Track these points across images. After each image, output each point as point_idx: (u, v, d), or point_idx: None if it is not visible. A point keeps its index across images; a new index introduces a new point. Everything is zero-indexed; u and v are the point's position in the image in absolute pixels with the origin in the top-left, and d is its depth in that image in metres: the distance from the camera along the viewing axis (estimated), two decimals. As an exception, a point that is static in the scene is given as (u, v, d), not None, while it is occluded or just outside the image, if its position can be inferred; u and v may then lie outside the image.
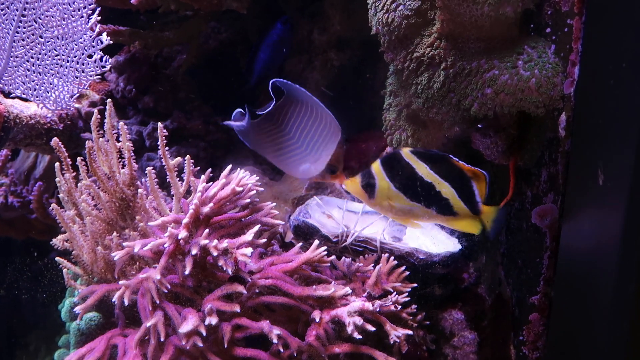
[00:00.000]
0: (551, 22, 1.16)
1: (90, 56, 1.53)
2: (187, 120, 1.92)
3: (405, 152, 1.12)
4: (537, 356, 1.24)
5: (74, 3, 1.49)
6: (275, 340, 1.07)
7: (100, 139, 1.31)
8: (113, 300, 1.13)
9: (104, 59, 1.54)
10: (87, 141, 1.30)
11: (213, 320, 1.06)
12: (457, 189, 1.11)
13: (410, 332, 1.17)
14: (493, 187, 1.48)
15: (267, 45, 1.89)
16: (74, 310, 1.19)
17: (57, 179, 1.31)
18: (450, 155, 1.10)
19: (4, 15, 1.50)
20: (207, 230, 1.10)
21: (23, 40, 1.51)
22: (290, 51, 1.98)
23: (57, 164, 1.30)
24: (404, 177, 1.13)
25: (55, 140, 1.29)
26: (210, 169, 1.27)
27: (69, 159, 1.31)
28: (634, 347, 0.88)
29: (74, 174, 1.32)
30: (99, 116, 1.31)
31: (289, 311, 1.19)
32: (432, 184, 1.11)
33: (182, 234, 1.08)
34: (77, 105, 1.77)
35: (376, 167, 1.15)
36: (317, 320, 1.11)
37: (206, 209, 1.14)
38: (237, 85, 1.99)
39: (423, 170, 1.11)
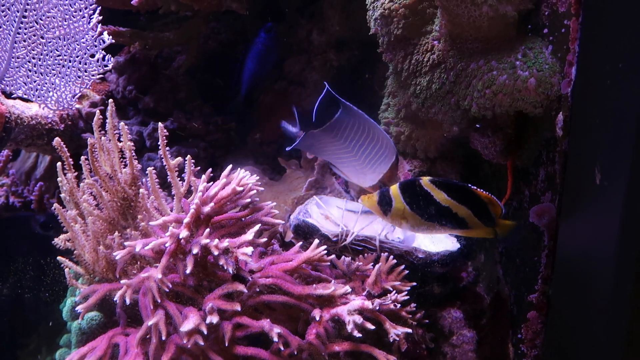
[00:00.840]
0: (548, 22, 1.17)
1: (92, 55, 1.54)
2: (188, 121, 1.93)
3: (425, 181, 1.16)
4: (535, 354, 1.24)
5: (75, 4, 1.50)
6: (275, 339, 1.08)
7: (102, 138, 1.32)
8: (115, 299, 1.13)
9: (106, 58, 1.55)
10: (88, 139, 1.31)
11: (214, 319, 1.07)
12: (474, 210, 1.14)
13: (410, 330, 1.18)
14: (491, 186, 1.49)
15: (253, 56, 1.91)
16: (76, 309, 1.20)
17: (59, 179, 1.31)
18: (469, 185, 1.13)
19: (4, 16, 1.50)
20: (208, 230, 1.11)
21: (24, 41, 1.52)
22: (279, 56, 1.99)
23: (59, 164, 1.30)
24: (420, 202, 1.16)
25: (57, 140, 1.30)
26: (210, 169, 1.28)
27: (70, 159, 1.32)
28: (631, 344, 0.88)
29: (76, 173, 1.32)
30: (100, 116, 1.32)
31: (289, 310, 1.20)
32: (449, 208, 1.14)
33: (183, 233, 1.09)
34: (77, 106, 1.78)
35: (394, 190, 1.19)
36: (317, 318, 1.12)
37: (207, 209, 1.14)
38: (227, 98, 2.01)
39: (440, 197, 1.14)
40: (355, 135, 1.41)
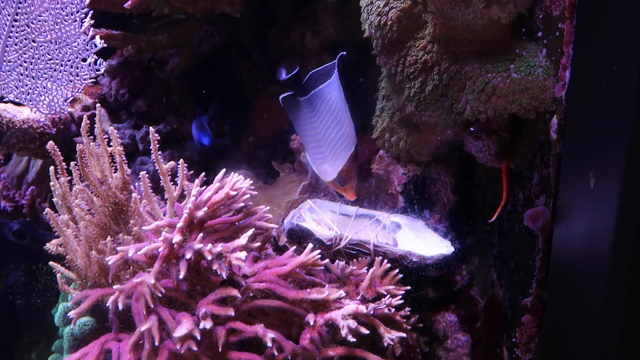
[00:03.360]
0: (543, 26, 1.17)
1: (84, 60, 1.53)
2: (181, 124, 1.92)
3: None
4: (530, 358, 1.24)
5: (66, 7, 1.49)
6: (269, 344, 1.07)
7: (92, 143, 1.31)
8: (107, 304, 1.12)
9: (98, 62, 1.54)
10: (77, 145, 1.30)
11: (207, 324, 1.06)
12: None
13: (404, 334, 1.18)
14: (486, 190, 1.49)
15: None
16: (68, 314, 1.19)
17: (51, 183, 1.30)
18: None
19: (-4, 20, 1.50)
20: (201, 234, 1.10)
21: (16, 44, 1.51)
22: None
23: (51, 168, 1.29)
24: None
25: (51, 144, 1.29)
26: (204, 173, 1.27)
27: (63, 163, 1.31)
28: (625, 349, 0.88)
29: (69, 178, 1.32)
30: (88, 122, 1.31)
31: (283, 315, 1.19)
32: None
33: (176, 238, 1.08)
34: (70, 110, 1.77)
35: None
36: (311, 323, 1.11)
37: (200, 213, 1.14)
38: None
39: None
40: (326, 113, 1.39)
